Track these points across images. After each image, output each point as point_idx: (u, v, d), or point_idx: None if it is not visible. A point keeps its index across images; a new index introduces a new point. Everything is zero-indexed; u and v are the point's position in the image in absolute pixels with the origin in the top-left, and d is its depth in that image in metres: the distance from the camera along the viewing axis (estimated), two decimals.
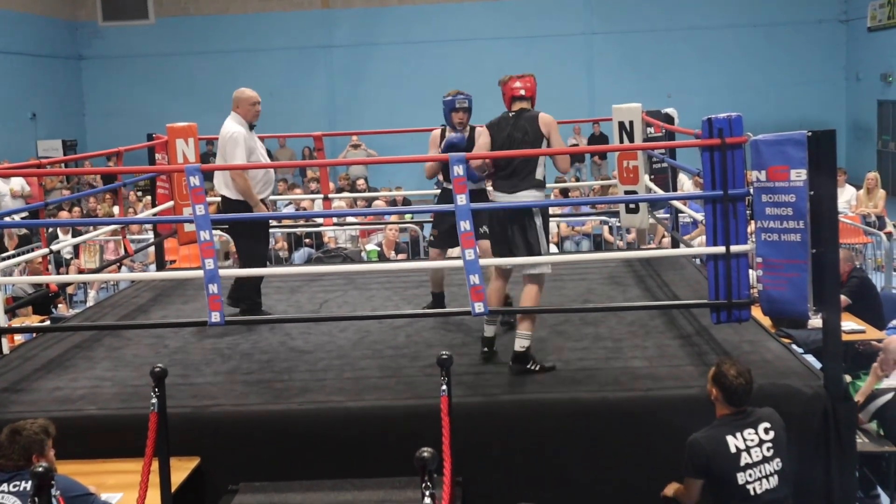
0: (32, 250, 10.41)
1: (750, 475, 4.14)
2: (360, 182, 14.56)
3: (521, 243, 5.27)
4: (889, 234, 10.75)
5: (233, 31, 21.47)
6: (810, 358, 6.08)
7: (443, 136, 6.34)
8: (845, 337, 6.05)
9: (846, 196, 13.29)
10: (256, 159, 6.48)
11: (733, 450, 4.15)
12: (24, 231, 12.57)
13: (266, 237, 6.80)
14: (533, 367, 5.16)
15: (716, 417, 4.31)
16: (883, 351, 5.80)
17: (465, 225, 4.67)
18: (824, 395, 4.71)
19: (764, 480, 4.15)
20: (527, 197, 5.28)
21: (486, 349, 5.46)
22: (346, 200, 12.50)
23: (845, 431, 4.69)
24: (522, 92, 5.48)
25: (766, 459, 4.17)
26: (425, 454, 3.03)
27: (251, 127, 6.52)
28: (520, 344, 5.17)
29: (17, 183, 14.62)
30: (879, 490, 5.66)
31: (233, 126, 6.41)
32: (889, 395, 5.43)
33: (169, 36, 21.49)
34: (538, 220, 5.29)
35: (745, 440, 4.17)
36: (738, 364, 4.29)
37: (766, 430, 4.21)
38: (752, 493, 4.13)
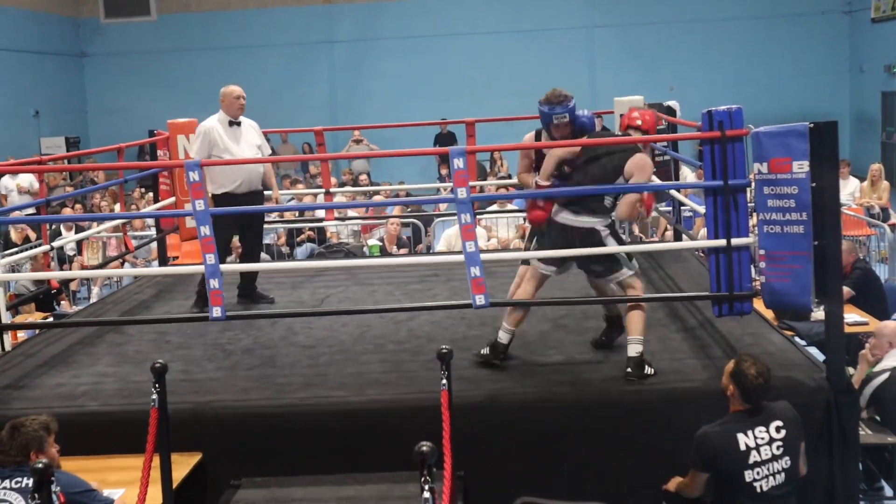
0: (36, 246, 10.42)
1: (757, 473, 4.13)
2: (363, 177, 14.54)
3: (598, 261, 5.09)
4: (893, 226, 10.72)
5: (234, 27, 21.45)
6: (813, 350, 6.07)
7: (537, 138, 5.66)
8: (848, 329, 6.03)
9: (850, 188, 13.25)
10: (219, 154, 6.62)
11: (742, 447, 4.13)
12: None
13: (221, 230, 6.65)
14: (650, 373, 4.93)
15: (726, 412, 4.29)
16: (875, 335, 5.77)
17: (465, 217, 4.66)
18: (827, 388, 4.70)
19: (771, 478, 4.14)
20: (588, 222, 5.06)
21: (502, 356, 5.22)
22: (348, 195, 12.50)
23: (848, 423, 4.68)
24: (639, 122, 5.19)
25: (774, 458, 4.15)
26: (424, 448, 3.02)
27: (231, 122, 6.73)
28: (634, 349, 4.95)
29: (25, 179, 14.64)
30: (883, 482, 5.64)
31: (206, 121, 6.75)
32: (885, 376, 5.41)
33: (170, 32, 21.47)
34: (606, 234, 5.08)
35: (755, 438, 4.15)
36: (758, 363, 4.24)
37: (778, 429, 4.19)
38: (757, 490, 4.12)
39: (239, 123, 6.79)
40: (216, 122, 6.72)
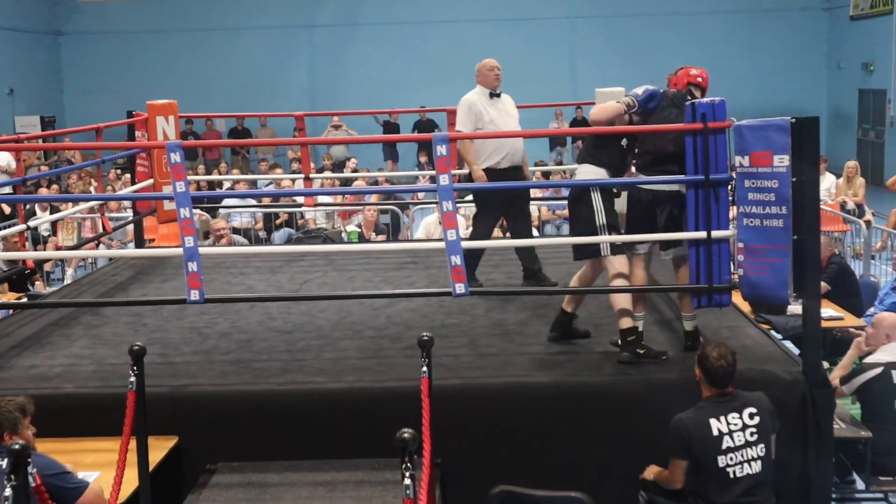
0: (8, 226, 10.31)
1: (730, 459, 4.17)
2: (353, 161, 14.49)
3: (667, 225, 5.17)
4: (868, 223, 10.81)
5: (214, 9, 21.27)
6: (788, 344, 6.11)
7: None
8: (824, 324, 6.06)
9: (826, 184, 13.34)
10: (484, 126, 6.52)
11: (715, 433, 4.18)
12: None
13: (491, 208, 6.64)
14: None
15: (701, 398, 4.34)
16: (872, 326, 5.81)
17: (447, 205, 4.65)
18: (803, 381, 4.74)
19: (745, 465, 4.18)
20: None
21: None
22: (327, 180, 12.48)
23: (823, 417, 4.72)
24: (700, 79, 5.17)
25: (748, 444, 4.19)
26: (406, 435, 3.02)
27: (492, 94, 6.64)
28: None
29: (3, 158, 14.46)
30: (855, 476, 5.69)
31: (468, 94, 6.65)
32: (878, 370, 5.44)
33: (149, 12, 21.24)
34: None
35: (728, 423, 4.21)
36: (721, 346, 4.32)
37: (752, 416, 4.24)
38: (731, 475, 4.16)
39: (499, 95, 6.69)
40: (477, 95, 6.62)
